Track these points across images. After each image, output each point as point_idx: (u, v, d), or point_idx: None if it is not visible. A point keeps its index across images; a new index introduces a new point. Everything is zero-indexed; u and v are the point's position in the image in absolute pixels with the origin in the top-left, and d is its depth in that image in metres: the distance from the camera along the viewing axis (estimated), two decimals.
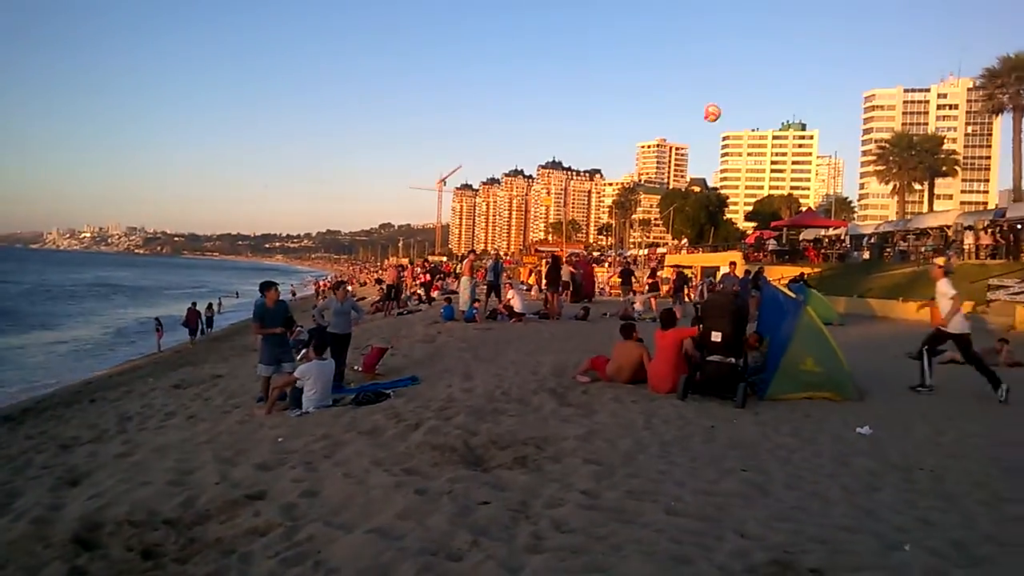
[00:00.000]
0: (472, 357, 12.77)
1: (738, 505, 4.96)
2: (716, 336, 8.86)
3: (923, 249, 36.94)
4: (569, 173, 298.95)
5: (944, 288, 10.76)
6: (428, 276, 32.84)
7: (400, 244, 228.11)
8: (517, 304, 19.37)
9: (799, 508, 4.94)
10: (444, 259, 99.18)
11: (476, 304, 19.30)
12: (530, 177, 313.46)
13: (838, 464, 6.15)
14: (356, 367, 12.16)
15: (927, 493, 5.42)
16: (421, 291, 29.41)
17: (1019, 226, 33.64)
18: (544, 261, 37.47)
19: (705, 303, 9.53)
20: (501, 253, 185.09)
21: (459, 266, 34.16)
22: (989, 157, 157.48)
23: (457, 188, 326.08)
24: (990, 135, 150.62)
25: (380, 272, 66.79)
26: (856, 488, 5.47)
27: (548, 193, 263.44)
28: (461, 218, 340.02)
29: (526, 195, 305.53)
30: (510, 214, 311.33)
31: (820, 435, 7.18)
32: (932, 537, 4.45)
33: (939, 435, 7.43)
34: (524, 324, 18.43)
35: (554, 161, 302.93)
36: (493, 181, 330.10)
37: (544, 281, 23.43)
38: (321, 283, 57.06)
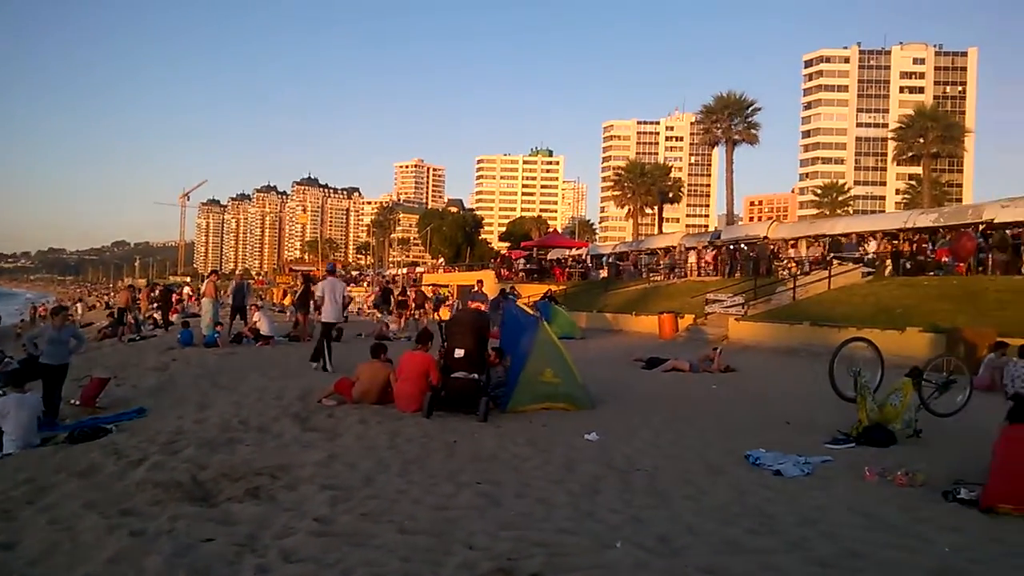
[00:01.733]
0: (210, 384, 12.02)
1: (470, 518, 5.08)
2: (459, 352, 9.07)
3: (660, 267, 40.62)
4: (326, 191, 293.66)
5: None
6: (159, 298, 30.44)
7: (137, 263, 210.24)
8: (264, 327, 18.58)
9: (526, 515, 5.16)
10: (187, 279, 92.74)
11: (219, 327, 18.23)
12: (284, 193, 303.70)
13: (566, 470, 6.52)
14: (73, 400, 10.96)
15: (642, 492, 5.90)
16: (158, 315, 27.26)
17: (731, 246, 38.07)
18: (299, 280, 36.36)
19: (448, 321, 9.74)
20: (253, 272, 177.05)
21: (201, 286, 32.18)
22: (709, 184, 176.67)
23: (203, 203, 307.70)
24: (710, 165, 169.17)
25: (111, 295, 60.99)
26: (580, 492, 5.83)
27: (304, 210, 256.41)
28: (208, 236, 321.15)
29: (280, 212, 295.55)
30: (263, 232, 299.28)
31: (553, 444, 7.57)
32: (642, 533, 4.84)
33: (658, 437, 8.15)
34: (272, 347, 17.71)
35: (310, 178, 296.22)
36: (243, 197, 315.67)
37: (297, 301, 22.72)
38: (40, 308, 50.97)
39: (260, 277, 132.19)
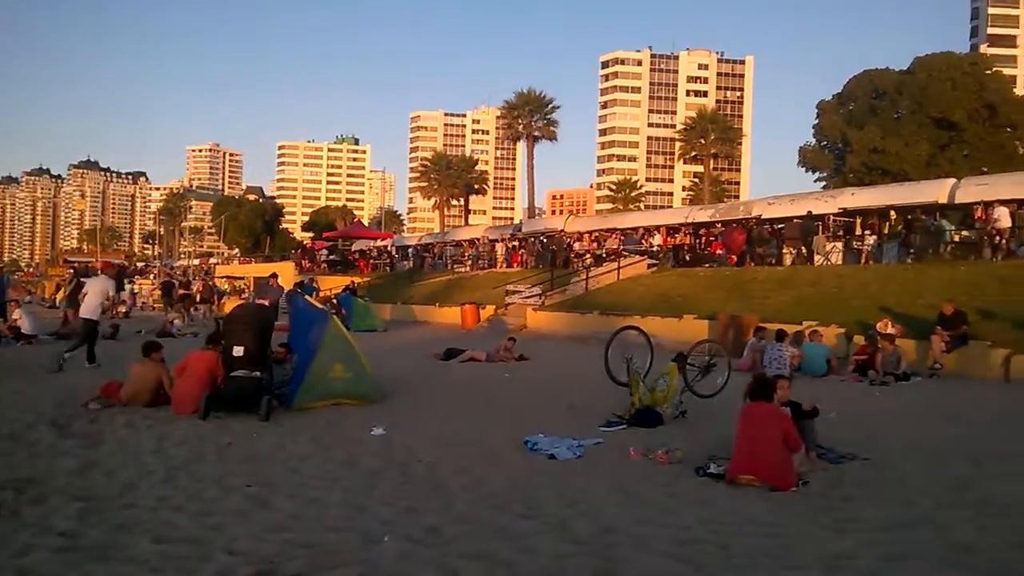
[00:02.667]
0: None
1: (234, 522, 4.88)
2: (238, 350, 8.67)
3: (465, 258, 41.08)
4: (108, 175, 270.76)
5: None
6: None
7: None
8: (26, 325, 16.84)
9: (296, 516, 5.04)
10: None
11: None
12: (59, 177, 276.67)
13: (346, 467, 6.43)
14: None
15: (419, 484, 5.95)
16: None
17: (531, 239, 39.29)
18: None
19: (227, 316, 9.29)
20: (23, 264, 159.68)
21: None
22: (515, 178, 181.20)
23: None
24: (515, 158, 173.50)
25: None
26: (356, 488, 5.77)
27: (83, 196, 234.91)
28: None
29: (55, 198, 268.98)
30: (33, 219, 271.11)
31: (337, 441, 7.45)
32: (413, 525, 4.88)
33: (444, 428, 8.26)
34: (35, 346, 16.09)
35: (89, 160, 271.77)
36: (10, 180, 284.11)
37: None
38: None
39: (30, 269, 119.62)
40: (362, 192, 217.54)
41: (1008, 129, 53.74)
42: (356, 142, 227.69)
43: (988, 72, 55.23)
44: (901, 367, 13.94)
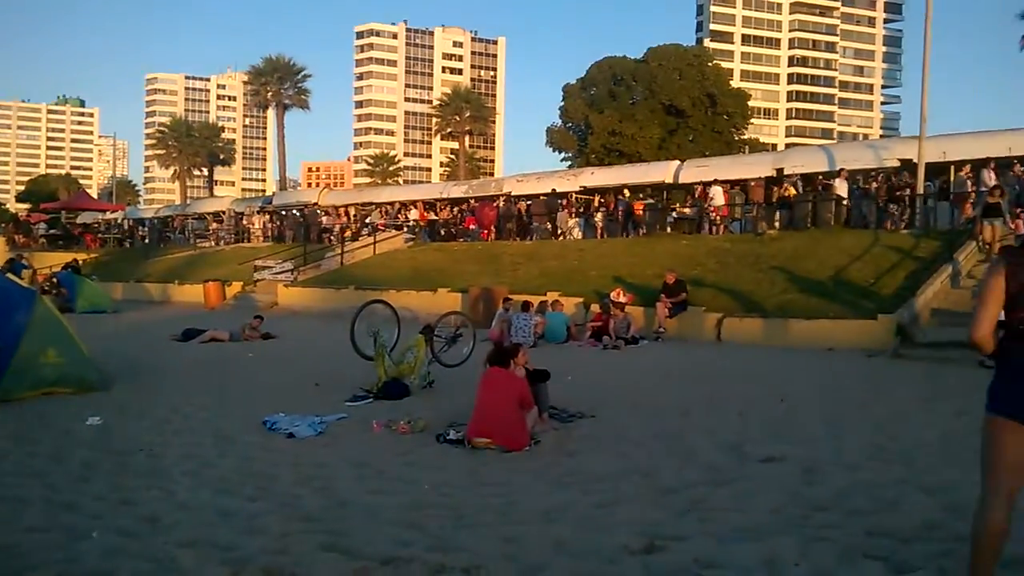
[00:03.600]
0: None
1: None
2: None
3: (210, 232, 38.53)
4: None
5: None
6: None
7: None
8: None
9: None
10: None
11: None
12: None
13: (53, 461, 5.79)
14: None
15: (138, 474, 5.51)
16: None
17: (283, 212, 37.79)
18: None
19: None
20: None
21: None
22: (266, 148, 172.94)
23: None
24: (266, 128, 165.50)
25: None
26: (64, 483, 5.22)
27: None
28: None
29: None
30: None
31: (44, 434, 6.69)
32: (127, 517, 4.51)
33: (174, 413, 7.71)
34: None
35: None
36: None
37: None
38: None
39: None
40: (90, 160, 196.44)
41: (726, 117, 60.18)
42: (82, 104, 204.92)
43: (710, 64, 61.38)
44: (631, 332, 15.17)
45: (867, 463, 5.80)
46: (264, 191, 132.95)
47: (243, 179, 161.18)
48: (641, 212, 25.39)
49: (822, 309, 15.10)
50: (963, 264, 15.23)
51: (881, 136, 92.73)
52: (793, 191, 22.67)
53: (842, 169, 21.52)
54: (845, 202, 21.03)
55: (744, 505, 4.72)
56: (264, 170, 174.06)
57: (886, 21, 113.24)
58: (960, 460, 5.62)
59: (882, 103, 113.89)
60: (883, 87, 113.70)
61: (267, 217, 37.74)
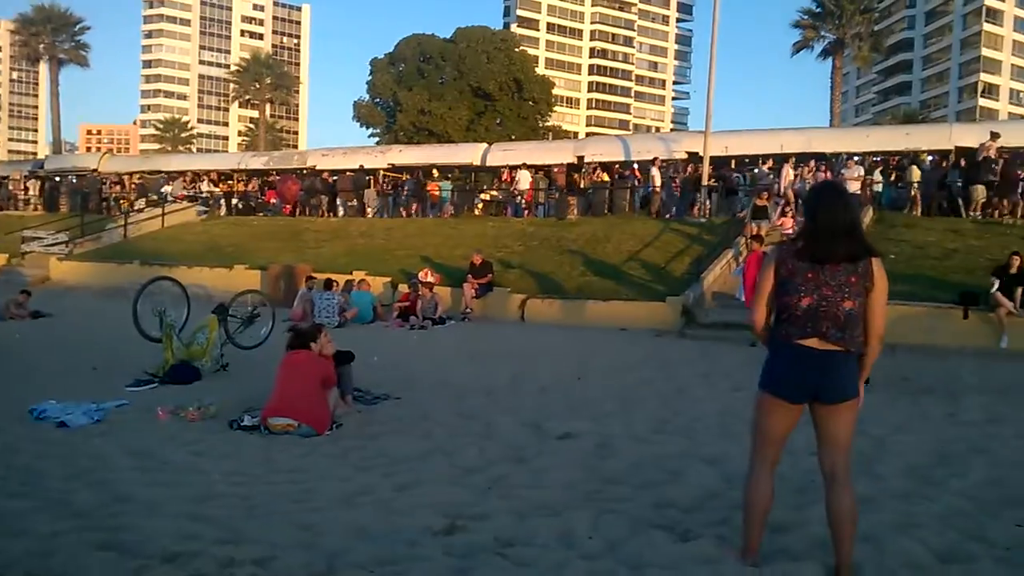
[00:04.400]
0: None
1: None
2: None
3: None
4: None
5: None
6: None
7: None
8: None
9: None
10: None
11: None
12: None
13: None
14: None
15: None
16: None
17: (57, 178, 34.23)
18: None
19: None
20: None
21: None
22: (38, 107, 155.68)
23: None
24: (38, 84, 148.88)
25: None
26: None
27: None
28: None
29: None
30: None
31: None
32: None
33: None
34: None
35: None
36: None
37: None
38: None
39: None
40: None
41: (531, 103, 61.67)
42: None
43: (516, 50, 62.54)
44: (438, 312, 15.22)
45: (654, 437, 6.17)
46: (36, 154, 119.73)
47: (10, 139, 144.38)
48: (436, 193, 25.51)
49: (617, 291, 15.95)
50: (743, 251, 16.65)
51: (672, 129, 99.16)
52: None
53: (656, 158, 22.76)
54: (657, 190, 22.20)
55: (542, 481, 4.85)
56: (36, 131, 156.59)
57: (678, 20, 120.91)
58: (735, 433, 6.13)
59: (673, 98, 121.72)
60: (674, 83, 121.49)
61: (39, 183, 34.03)
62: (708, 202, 21.43)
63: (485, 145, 29.64)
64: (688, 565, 3.49)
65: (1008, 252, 13.00)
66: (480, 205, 26.67)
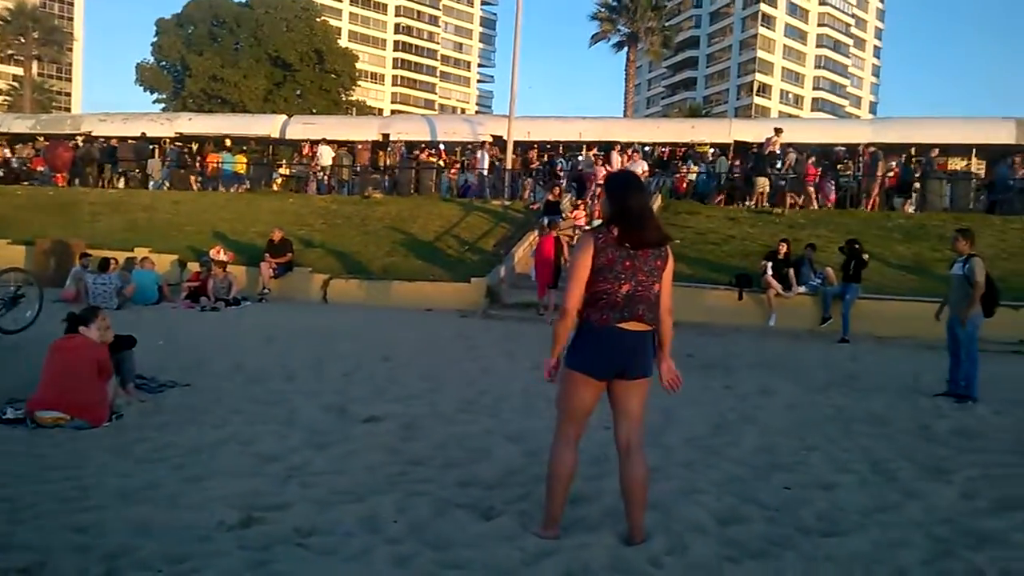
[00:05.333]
0: None
1: None
2: None
3: None
4: None
5: None
6: None
7: None
8: None
9: None
10: None
11: None
12: None
13: None
14: None
15: None
16: None
17: None
18: None
19: None
20: None
21: None
22: None
23: None
24: None
25: None
26: None
27: None
28: None
29: None
30: None
31: None
32: None
33: None
34: None
35: None
36: None
37: None
38: None
39: None
40: None
41: (334, 76, 59.83)
42: None
43: (318, 20, 60.34)
44: (232, 293, 14.46)
45: (459, 416, 6.22)
46: None
47: None
48: (216, 165, 24.21)
49: (423, 271, 15.93)
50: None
51: (477, 112, 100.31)
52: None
53: (485, 141, 22.79)
54: (487, 173, 22.21)
55: (346, 467, 4.73)
56: None
57: (483, 3, 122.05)
58: (537, 409, 6.31)
59: (478, 81, 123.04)
60: (480, 66, 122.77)
61: None
62: (509, 184, 21.88)
63: (284, 117, 28.38)
64: (491, 543, 3.54)
65: (778, 239, 14.38)
66: (279, 180, 25.58)
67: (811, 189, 19.27)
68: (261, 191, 23.31)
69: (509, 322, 13.12)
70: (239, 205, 20.77)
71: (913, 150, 21.66)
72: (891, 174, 19.79)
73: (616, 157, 20.19)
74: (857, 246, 13.20)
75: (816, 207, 19.04)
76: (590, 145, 23.20)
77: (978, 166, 24.14)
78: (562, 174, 21.11)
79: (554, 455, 3.58)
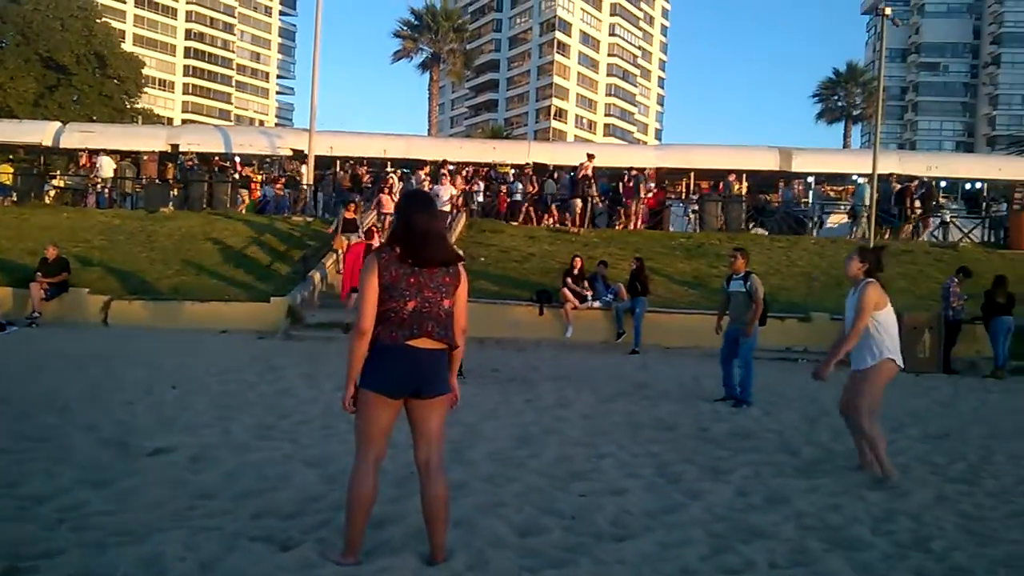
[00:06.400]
0: None
1: None
2: None
3: None
4: None
5: None
6: None
7: None
8: None
9: None
10: None
11: None
12: None
13: None
14: None
15: None
16: None
17: None
18: None
19: None
20: None
21: None
22: None
23: None
24: None
25: None
26: None
27: None
28: None
29: None
30: None
31: None
32: None
33: None
34: None
35: None
36: None
37: None
38: None
39: None
40: None
41: (117, 81, 55.47)
42: None
43: (98, 21, 55.80)
44: None
45: (256, 443, 5.94)
46: None
47: None
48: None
49: (217, 291, 15.13)
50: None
51: (276, 125, 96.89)
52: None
53: (295, 149, 22.04)
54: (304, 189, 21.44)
55: (126, 505, 4.36)
56: None
57: (282, 13, 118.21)
58: (338, 432, 6.17)
59: (278, 93, 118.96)
60: (279, 77, 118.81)
61: None
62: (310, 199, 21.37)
63: (58, 124, 25.98)
64: (287, 575, 3.41)
65: (572, 256, 15.08)
66: (52, 193, 23.34)
67: (633, 209, 20.59)
68: (31, 204, 21.13)
69: (312, 342, 12.76)
70: (6, 219, 18.72)
71: (692, 174, 23.59)
72: (650, 195, 21.51)
73: (419, 177, 20.60)
74: (635, 267, 14.18)
75: (633, 227, 20.22)
76: (394, 162, 23.15)
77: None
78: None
79: (353, 480, 3.52)
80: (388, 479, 4.68)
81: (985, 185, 24.74)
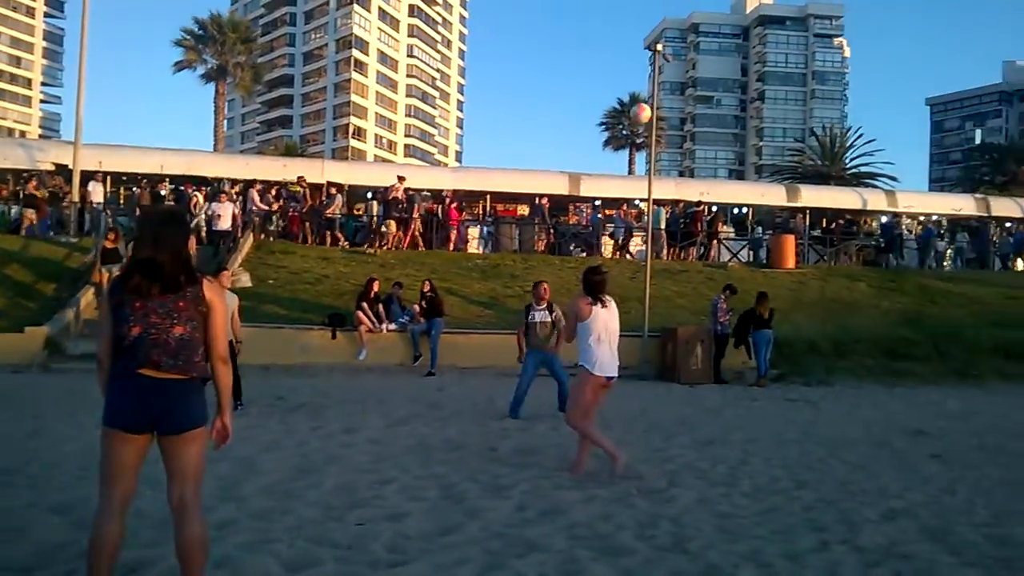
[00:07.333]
0: None
1: None
2: None
3: None
4: None
5: None
6: None
7: None
8: None
9: None
10: None
11: None
12: None
13: None
14: None
15: None
16: None
17: None
18: None
19: None
20: None
21: None
22: None
23: None
24: None
25: None
26: None
27: None
28: None
29: None
30: None
31: None
32: None
33: None
34: None
35: None
36: None
37: None
38: None
39: None
40: None
41: None
42: None
43: None
44: None
45: None
46: None
47: None
48: None
49: None
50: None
51: (40, 136, 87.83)
52: None
53: (97, 172, 19.86)
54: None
55: None
56: None
57: (47, 15, 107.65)
58: (94, 474, 5.59)
59: (42, 101, 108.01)
60: (43, 84, 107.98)
61: None
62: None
63: None
64: None
65: (367, 277, 14.84)
66: None
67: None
68: None
69: (75, 375, 11.58)
70: None
71: (488, 196, 24.15)
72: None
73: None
74: (427, 288, 14.22)
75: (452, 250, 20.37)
76: (173, 179, 21.70)
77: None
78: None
79: (95, 526, 3.18)
80: (147, 521, 4.31)
81: (751, 210, 27.40)
